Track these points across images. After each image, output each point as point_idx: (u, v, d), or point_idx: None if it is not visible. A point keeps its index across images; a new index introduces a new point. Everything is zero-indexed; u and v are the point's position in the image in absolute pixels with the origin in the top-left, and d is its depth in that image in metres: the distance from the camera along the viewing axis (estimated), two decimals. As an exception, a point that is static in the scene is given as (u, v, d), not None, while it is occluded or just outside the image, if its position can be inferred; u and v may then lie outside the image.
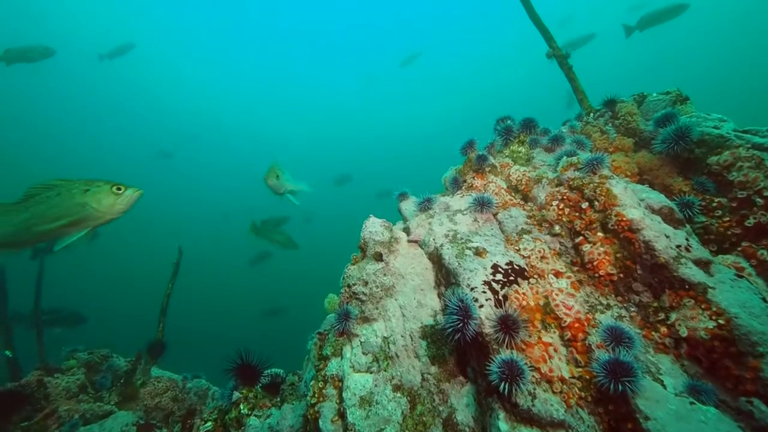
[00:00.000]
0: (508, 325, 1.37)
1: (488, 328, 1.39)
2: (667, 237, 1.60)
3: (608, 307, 1.69)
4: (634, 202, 1.79)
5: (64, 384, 3.30)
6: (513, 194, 2.42)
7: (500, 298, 1.50)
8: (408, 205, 2.59)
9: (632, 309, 1.65)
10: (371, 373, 1.52)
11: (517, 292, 1.54)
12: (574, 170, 2.12)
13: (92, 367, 3.73)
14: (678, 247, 1.56)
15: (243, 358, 2.28)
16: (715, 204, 1.93)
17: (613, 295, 1.74)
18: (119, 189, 1.91)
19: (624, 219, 1.71)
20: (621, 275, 1.74)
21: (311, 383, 1.57)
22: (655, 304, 1.57)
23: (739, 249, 1.79)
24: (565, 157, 2.24)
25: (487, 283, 1.57)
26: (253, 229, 7.75)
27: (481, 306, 1.44)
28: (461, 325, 1.37)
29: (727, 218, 1.87)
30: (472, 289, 1.54)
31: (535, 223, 2.12)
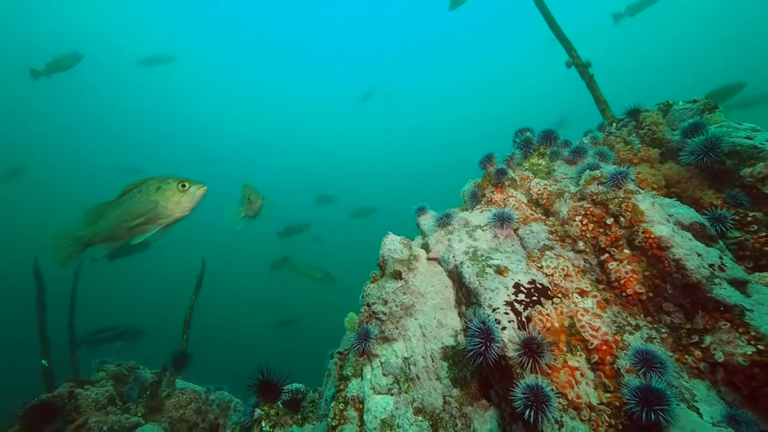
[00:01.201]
0: (532, 349, 1.34)
1: (511, 352, 1.36)
2: (699, 255, 1.54)
3: (637, 327, 1.63)
4: (663, 218, 1.73)
5: (94, 396, 3.41)
6: (534, 209, 2.38)
7: (523, 319, 1.47)
8: (426, 220, 2.58)
9: (663, 330, 1.59)
10: (392, 395, 1.51)
11: (540, 313, 1.50)
12: (598, 184, 2.07)
13: (120, 378, 3.84)
14: (711, 266, 1.50)
15: (264, 375, 2.30)
16: (750, 218, 1.85)
17: (642, 315, 1.68)
18: (184, 186, 1.92)
19: (652, 236, 1.65)
20: (650, 294, 1.67)
21: (332, 404, 1.56)
22: (688, 326, 1.50)
23: (778, 266, 1.70)
24: (587, 171, 2.19)
25: (509, 303, 1.54)
26: (278, 266, 7.90)
27: (504, 328, 1.42)
28: (483, 348, 1.35)
29: (764, 233, 1.78)
30: (494, 310, 1.52)
31: (558, 238, 2.07)
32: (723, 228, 1.85)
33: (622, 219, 1.82)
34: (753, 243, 1.77)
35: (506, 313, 1.48)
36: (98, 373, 3.73)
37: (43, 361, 4.98)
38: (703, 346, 1.41)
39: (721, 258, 1.54)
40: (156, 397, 3.80)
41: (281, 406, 2.30)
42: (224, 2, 32.85)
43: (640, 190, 1.91)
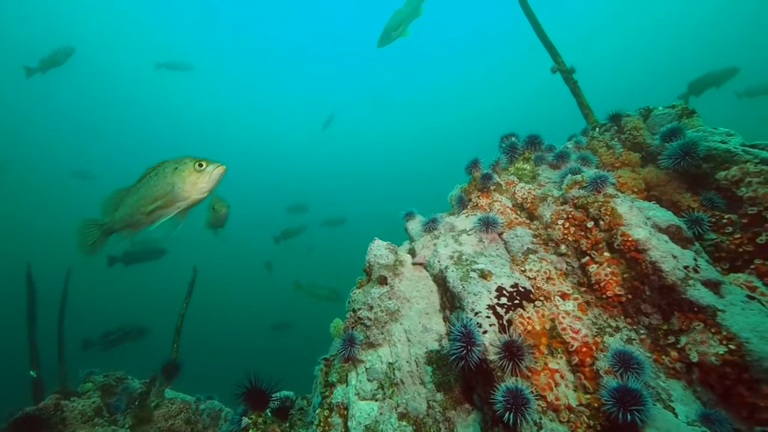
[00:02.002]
0: (512, 352, 1.36)
1: (492, 355, 1.38)
2: (675, 257, 1.57)
3: (617, 329, 1.66)
4: (640, 221, 1.77)
5: (80, 408, 3.35)
6: (519, 213, 2.42)
7: (504, 323, 1.50)
8: (414, 225, 2.61)
9: (642, 331, 1.62)
10: (376, 400, 1.52)
11: (521, 316, 1.52)
12: (579, 188, 2.11)
13: (107, 389, 3.79)
14: (686, 267, 1.54)
15: (252, 382, 2.29)
16: (725, 220, 1.90)
17: (622, 317, 1.71)
18: (201, 165, 1.81)
19: (630, 239, 1.69)
20: (629, 296, 1.71)
21: (317, 411, 1.57)
22: (665, 327, 1.54)
23: (752, 267, 1.75)
24: (569, 175, 2.24)
25: (491, 307, 1.56)
26: (297, 288, 8.55)
27: (485, 332, 1.44)
28: (464, 352, 1.37)
29: (738, 235, 1.83)
30: (476, 313, 1.54)
31: (541, 242, 2.11)
32: (700, 230, 1.90)
33: (601, 222, 1.85)
34: (728, 244, 1.82)
35: (488, 317, 1.50)
36: (85, 384, 3.68)
37: (31, 371, 4.90)
38: (679, 346, 1.44)
39: (695, 260, 1.58)
40: (144, 407, 3.75)
41: (269, 414, 2.29)
42: (210, 4, 32.46)
43: (619, 193, 1.95)
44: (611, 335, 1.63)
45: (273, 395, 2.38)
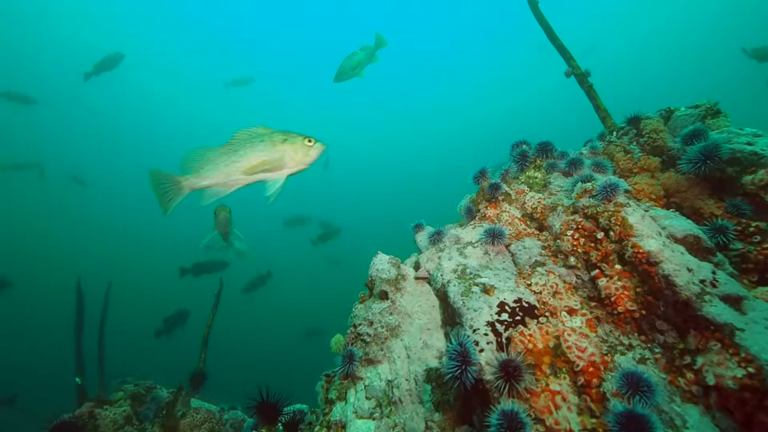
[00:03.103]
0: (509, 372, 1.31)
1: (488, 375, 1.34)
2: (690, 270, 1.47)
3: (630, 347, 1.56)
4: (653, 232, 1.67)
5: (112, 416, 3.53)
6: (528, 223, 2.34)
7: (503, 340, 1.45)
8: (423, 237, 2.58)
9: (657, 350, 1.51)
10: (374, 419, 1.50)
11: (522, 333, 1.47)
12: (589, 197, 2.02)
13: (137, 398, 3.96)
14: (702, 281, 1.43)
15: (263, 396, 2.32)
16: (752, 228, 1.75)
17: (636, 334, 1.61)
18: (310, 141, 2.05)
19: (641, 251, 1.60)
20: (643, 312, 1.61)
21: (316, 429, 1.57)
22: (681, 346, 1.43)
23: (784, 279, 1.60)
24: (579, 183, 2.15)
25: (490, 324, 1.51)
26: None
27: (482, 350, 1.39)
28: (459, 372, 1.33)
29: (767, 244, 1.68)
30: (474, 330, 1.49)
31: (550, 254, 2.03)
32: (725, 239, 1.76)
33: (612, 233, 1.77)
34: (756, 255, 1.68)
35: (486, 335, 1.45)
36: (117, 393, 3.87)
37: (77, 378, 5.22)
38: (695, 368, 1.33)
39: (714, 273, 1.47)
40: (171, 416, 3.89)
41: (281, 427, 2.31)
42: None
43: (631, 202, 1.85)
44: (623, 354, 1.54)
45: (284, 409, 2.41)
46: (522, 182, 2.70)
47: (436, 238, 2.28)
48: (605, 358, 1.50)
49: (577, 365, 1.43)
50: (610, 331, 1.63)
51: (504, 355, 1.38)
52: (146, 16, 30.91)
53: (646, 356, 1.51)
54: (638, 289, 1.63)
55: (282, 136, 2.04)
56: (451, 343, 1.47)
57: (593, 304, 1.74)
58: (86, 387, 5.09)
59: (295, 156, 2.03)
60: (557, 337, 1.53)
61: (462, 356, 1.36)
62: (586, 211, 1.96)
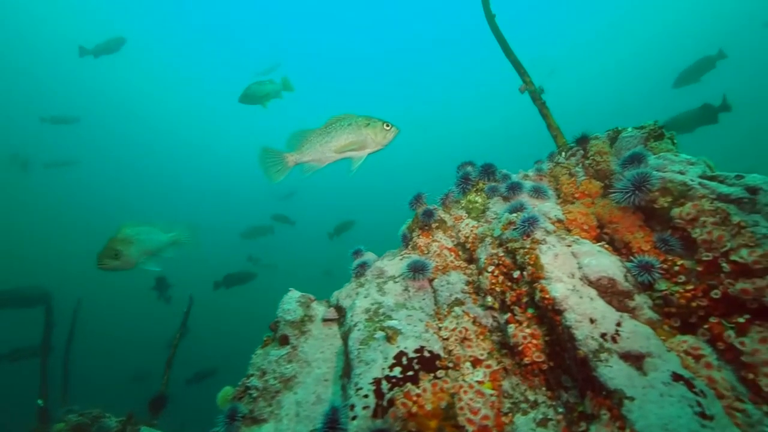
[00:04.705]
0: (378, 445, 1.16)
1: (357, 448, 1.19)
2: (593, 322, 1.33)
3: (534, 405, 1.42)
4: (565, 273, 1.53)
5: (47, 450, 3.35)
6: (460, 254, 2.20)
7: (385, 403, 1.30)
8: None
9: (560, 410, 1.37)
10: (245, 489, 1.35)
11: (407, 394, 1.32)
12: (513, 229, 1.88)
13: (82, 429, 3.78)
14: (603, 335, 1.29)
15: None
16: (677, 267, 1.61)
17: (543, 388, 1.46)
18: (388, 126, 2.46)
19: (547, 296, 1.46)
20: (551, 363, 1.46)
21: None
22: (581, 408, 1.28)
23: (706, 326, 1.46)
24: (506, 213, 2.02)
25: (377, 381, 1.36)
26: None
27: (354, 417, 1.24)
28: (324, 444, 1.18)
29: (692, 286, 1.54)
30: (357, 389, 1.35)
31: (472, 291, 1.89)
32: (650, 278, 1.62)
33: (525, 273, 1.63)
34: (679, 298, 1.53)
35: (365, 396, 1.30)
36: (57, 424, 3.69)
37: (39, 401, 5.03)
38: (588, 437, 1.19)
39: (619, 324, 1.32)
40: (115, 448, 3.71)
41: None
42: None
43: (548, 238, 1.71)
44: (525, 413, 1.39)
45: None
46: (462, 207, 2.56)
47: (358, 270, 2.14)
48: (502, 419, 1.35)
49: (466, 431, 1.28)
50: (517, 384, 1.49)
51: (379, 423, 1.23)
52: (140, 14, 30.79)
53: (549, 416, 1.36)
54: (547, 338, 1.48)
55: (365, 120, 2.43)
56: (331, 405, 1.32)
57: (504, 351, 1.60)
58: (49, 410, 4.90)
59: (376, 138, 2.43)
60: (453, 395, 1.39)
61: (330, 424, 1.21)
62: (508, 245, 1.82)
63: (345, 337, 1.71)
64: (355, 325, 1.71)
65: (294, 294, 1.92)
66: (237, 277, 9.05)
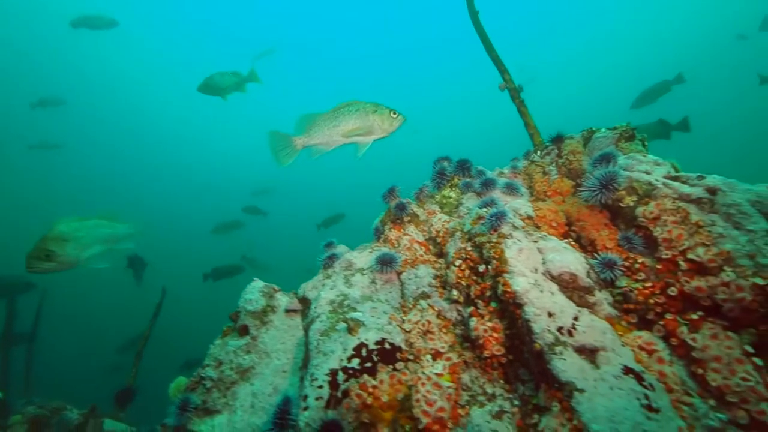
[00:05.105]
0: (328, 436, 1.13)
1: (306, 439, 1.16)
2: (551, 315, 1.33)
3: (492, 398, 1.41)
4: (528, 268, 1.53)
5: (1, 443, 3.21)
6: (430, 248, 2.19)
7: (339, 394, 1.27)
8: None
9: (516, 403, 1.37)
10: (193, 482, 1.31)
11: (363, 386, 1.29)
12: (481, 224, 1.88)
13: (40, 422, 3.64)
14: (560, 329, 1.29)
15: None
16: (638, 265, 1.63)
17: (502, 382, 1.46)
18: (394, 114, 2.48)
19: (509, 290, 1.45)
20: (511, 357, 1.46)
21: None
22: (535, 401, 1.29)
23: (662, 323, 1.48)
24: (477, 208, 2.01)
25: (333, 372, 1.34)
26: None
27: (306, 408, 1.22)
28: (273, 434, 1.15)
29: (649, 283, 1.56)
30: (312, 380, 1.32)
31: (439, 284, 1.88)
32: (612, 275, 1.64)
33: (490, 267, 1.62)
34: (637, 295, 1.55)
35: (320, 387, 1.28)
36: (14, 416, 3.54)
37: None
38: (539, 429, 1.19)
39: (575, 319, 1.33)
40: (76, 442, 3.58)
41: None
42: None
43: (515, 233, 1.71)
44: (482, 405, 1.38)
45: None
46: (436, 202, 2.55)
47: (327, 262, 2.10)
48: (458, 411, 1.35)
49: (421, 422, 1.27)
50: (477, 377, 1.48)
51: (331, 414, 1.20)
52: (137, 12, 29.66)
53: (506, 409, 1.36)
54: (507, 332, 1.48)
55: (373, 107, 2.46)
56: (285, 396, 1.29)
57: (466, 344, 1.59)
58: (9, 402, 4.71)
59: (382, 125, 2.45)
60: (411, 387, 1.37)
61: (281, 415, 1.18)
62: (476, 239, 1.82)
63: (306, 329, 1.67)
64: (318, 317, 1.68)
65: (257, 284, 1.87)
66: (225, 270, 9.15)
